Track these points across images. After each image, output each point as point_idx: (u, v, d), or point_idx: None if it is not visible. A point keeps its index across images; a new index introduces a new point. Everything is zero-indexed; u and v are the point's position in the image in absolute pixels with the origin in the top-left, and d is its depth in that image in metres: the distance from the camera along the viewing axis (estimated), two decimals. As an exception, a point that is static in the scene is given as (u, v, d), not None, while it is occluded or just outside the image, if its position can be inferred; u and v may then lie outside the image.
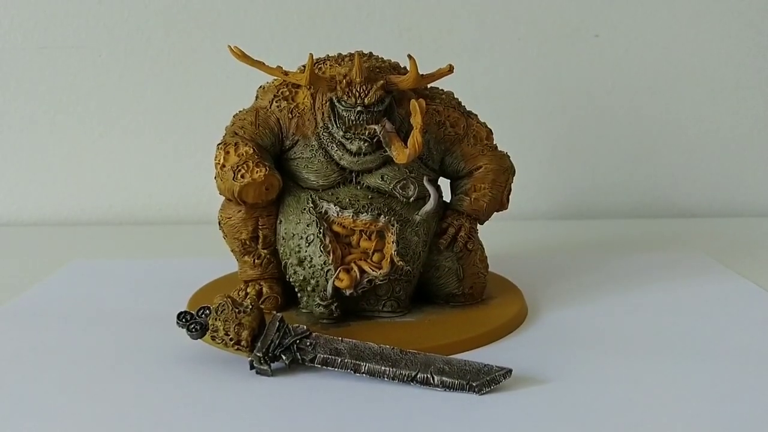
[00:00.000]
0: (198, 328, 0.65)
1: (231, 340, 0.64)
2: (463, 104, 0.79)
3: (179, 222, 1.29)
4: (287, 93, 0.75)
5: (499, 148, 0.78)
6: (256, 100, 0.78)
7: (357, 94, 0.70)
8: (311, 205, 0.73)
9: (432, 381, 0.61)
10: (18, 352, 0.70)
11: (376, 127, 0.71)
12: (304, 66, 0.72)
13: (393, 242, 0.72)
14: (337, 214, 0.72)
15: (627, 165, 1.30)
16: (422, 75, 0.71)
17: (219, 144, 0.74)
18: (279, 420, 0.57)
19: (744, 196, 1.32)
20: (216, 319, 0.65)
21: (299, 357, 0.64)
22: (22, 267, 1.01)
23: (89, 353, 0.69)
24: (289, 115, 0.75)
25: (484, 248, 0.79)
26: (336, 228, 0.73)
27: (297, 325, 0.66)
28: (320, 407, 0.59)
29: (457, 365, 0.63)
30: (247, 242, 0.76)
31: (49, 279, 0.93)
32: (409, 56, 0.71)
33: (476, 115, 0.79)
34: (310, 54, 0.71)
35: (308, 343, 0.65)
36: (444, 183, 0.79)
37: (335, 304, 0.72)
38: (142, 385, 0.63)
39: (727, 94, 1.28)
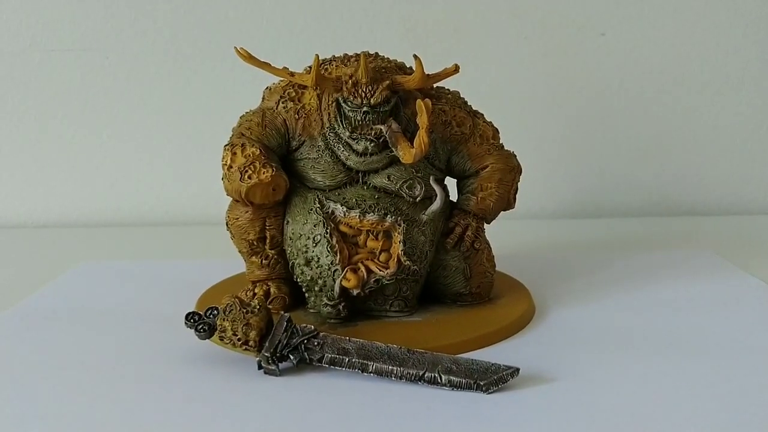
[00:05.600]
0: (206, 328, 0.65)
1: (239, 340, 0.64)
2: (469, 104, 0.79)
3: (187, 223, 1.30)
4: (293, 94, 0.76)
5: (505, 147, 0.78)
6: (263, 101, 0.78)
7: (363, 94, 0.70)
8: (318, 205, 0.73)
9: (439, 380, 0.62)
10: (27, 353, 0.70)
11: (382, 127, 0.71)
12: (310, 67, 0.73)
13: (400, 242, 0.72)
14: (344, 214, 0.72)
15: (635, 163, 1.30)
16: (428, 75, 0.71)
17: (226, 145, 0.74)
18: (287, 420, 0.57)
19: (753, 193, 1.32)
20: (224, 320, 0.65)
21: (307, 357, 0.64)
22: (31, 269, 1.02)
23: (98, 354, 0.70)
24: (296, 115, 0.75)
25: (491, 247, 0.79)
26: (343, 228, 0.73)
27: (305, 325, 0.67)
28: (328, 407, 0.59)
29: (464, 364, 0.63)
30: (255, 243, 0.76)
31: (57, 280, 0.94)
32: (415, 56, 0.71)
33: (482, 115, 0.79)
34: (316, 55, 0.71)
35: (316, 343, 0.65)
36: (450, 182, 0.79)
37: (342, 304, 0.73)
38: (151, 385, 0.63)
39: (735, 91, 1.28)
